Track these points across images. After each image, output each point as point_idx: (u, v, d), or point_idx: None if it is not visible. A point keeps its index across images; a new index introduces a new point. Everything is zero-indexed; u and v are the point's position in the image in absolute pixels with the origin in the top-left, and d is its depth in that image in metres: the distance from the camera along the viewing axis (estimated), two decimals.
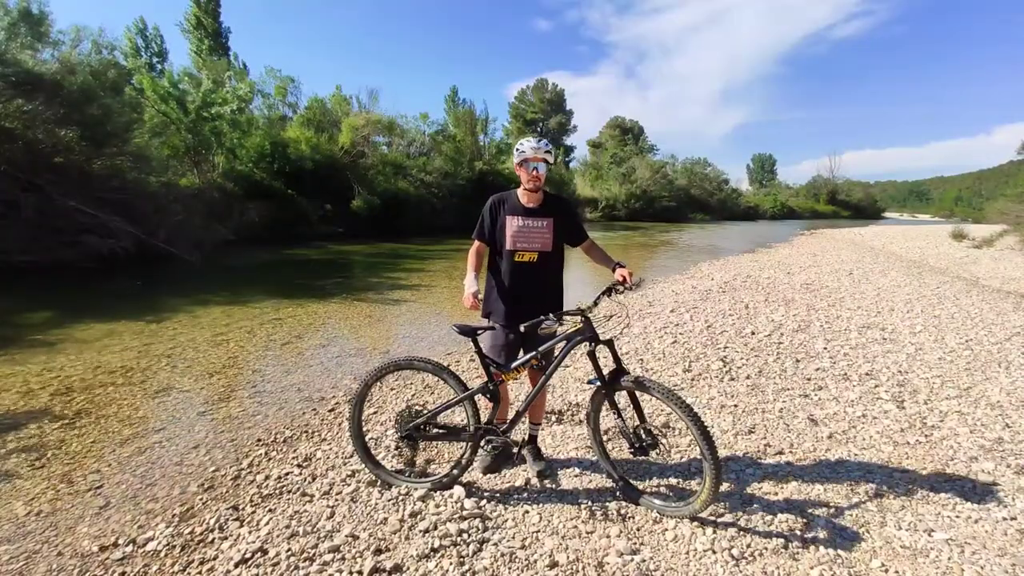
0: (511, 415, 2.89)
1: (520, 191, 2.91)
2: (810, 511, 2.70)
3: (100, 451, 3.58)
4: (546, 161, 2.80)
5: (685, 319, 7.15)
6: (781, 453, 3.38)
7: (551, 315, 2.62)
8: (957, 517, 2.66)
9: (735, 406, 4.15)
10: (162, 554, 2.45)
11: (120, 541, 2.56)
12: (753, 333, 6.38)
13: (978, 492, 2.90)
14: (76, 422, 4.02)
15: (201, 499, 2.96)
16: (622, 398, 2.73)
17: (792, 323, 6.91)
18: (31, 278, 10.32)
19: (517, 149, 2.84)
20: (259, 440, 3.74)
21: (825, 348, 5.75)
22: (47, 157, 12.34)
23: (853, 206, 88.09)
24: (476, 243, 2.94)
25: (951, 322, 6.93)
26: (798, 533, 2.52)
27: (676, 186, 59.09)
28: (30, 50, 12.68)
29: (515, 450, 2.87)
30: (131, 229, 12.42)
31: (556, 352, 2.76)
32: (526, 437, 3.17)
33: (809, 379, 4.79)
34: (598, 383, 2.67)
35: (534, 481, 3.00)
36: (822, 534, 2.51)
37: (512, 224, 2.84)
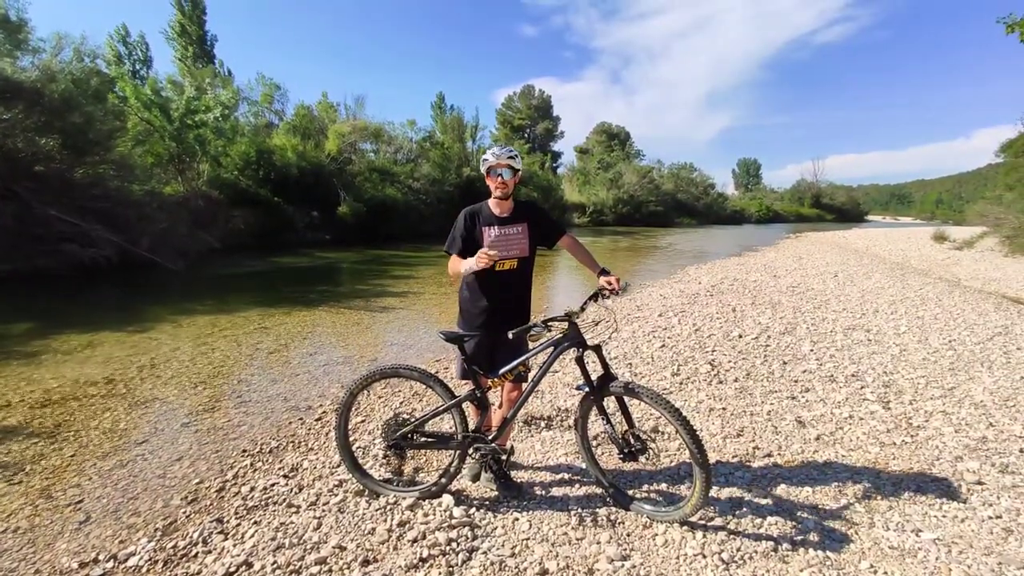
0: (497, 422, 2.87)
1: (491, 201, 2.88)
2: (799, 513, 2.71)
3: (80, 465, 3.50)
4: (511, 167, 2.77)
5: (673, 323, 7.18)
6: (770, 456, 3.39)
7: (539, 322, 2.61)
8: (944, 517, 2.67)
9: (724, 409, 4.16)
10: (144, 569, 2.40)
11: (100, 557, 2.50)
12: (740, 336, 6.41)
13: (964, 491, 2.92)
14: (56, 435, 3.93)
15: (184, 512, 2.90)
16: (611, 403, 2.73)
17: (779, 326, 6.96)
18: (10, 287, 10.13)
19: (483, 159, 2.82)
20: (244, 451, 3.68)
21: (812, 350, 5.79)
22: (27, 165, 12.16)
23: (837, 209, 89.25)
24: (452, 256, 2.85)
25: (934, 323, 7.02)
26: (787, 535, 2.52)
27: (663, 191, 59.53)
28: (8, 58, 12.49)
29: (504, 457, 2.84)
30: (113, 238, 12.27)
31: (543, 358, 2.75)
32: (508, 452, 2.97)
33: (796, 381, 4.82)
34: (586, 389, 2.66)
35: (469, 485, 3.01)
36: (811, 536, 2.51)
37: (488, 234, 2.80)
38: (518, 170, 2.82)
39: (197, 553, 2.49)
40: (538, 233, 2.90)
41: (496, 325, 2.80)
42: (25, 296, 9.64)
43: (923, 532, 2.54)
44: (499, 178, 2.76)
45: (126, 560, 2.47)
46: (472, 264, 2.61)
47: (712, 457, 3.29)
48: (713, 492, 2.86)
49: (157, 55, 43.29)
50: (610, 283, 2.67)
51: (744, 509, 2.74)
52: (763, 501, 2.83)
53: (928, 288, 10.17)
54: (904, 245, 21.71)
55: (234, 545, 2.51)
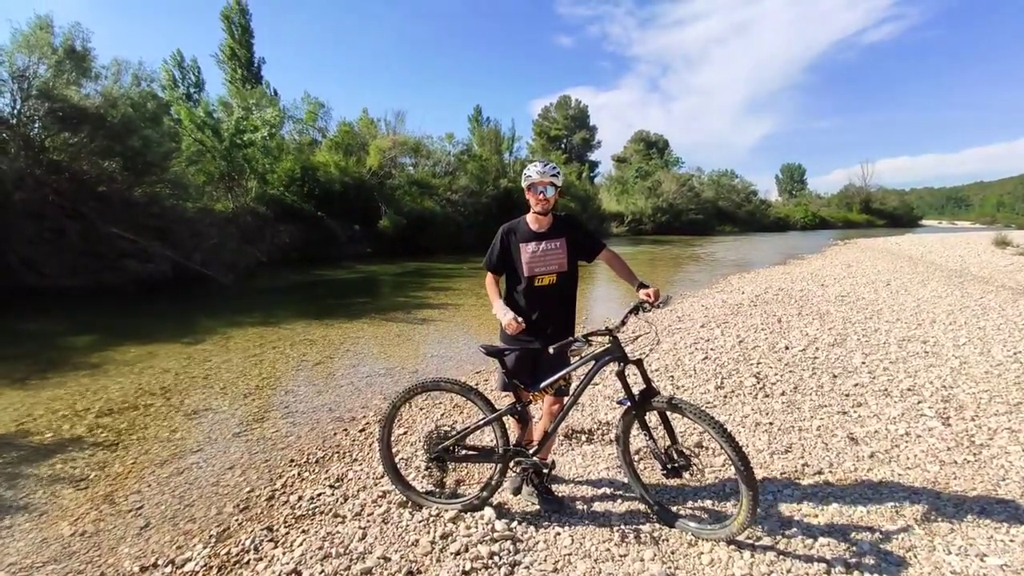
0: (538, 435, 2.88)
1: (530, 216, 2.91)
2: (853, 535, 2.60)
3: (141, 472, 3.68)
4: (553, 184, 2.79)
5: (716, 334, 7.03)
6: (820, 473, 3.28)
7: (580, 336, 2.61)
8: (1011, 541, 2.52)
9: (770, 424, 4.05)
10: (199, 575, 2.50)
11: (159, 562, 2.62)
12: (787, 348, 6.23)
13: None
14: (118, 443, 4.15)
15: (237, 520, 3.01)
16: (653, 418, 2.69)
17: (828, 337, 6.73)
18: (75, 301, 10.75)
19: (524, 174, 2.85)
20: (292, 461, 3.79)
21: (863, 363, 5.57)
22: (91, 186, 12.94)
23: (888, 214, 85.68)
24: (489, 275, 2.98)
25: (997, 333, 6.65)
26: (841, 557, 2.42)
27: (703, 199, 58.47)
28: (75, 85, 13.33)
29: (545, 471, 2.84)
30: (169, 253, 12.89)
31: (584, 372, 2.74)
32: (549, 466, 2.98)
33: (847, 395, 4.65)
34: (628, 403, 2.64)
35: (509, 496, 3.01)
36: (866, 559, 2.41)
37: (526, 250, 2.83)
38: (559, 187, 2.85)
39: (249, 560, 2.57)
40: (577, 247, 2.91)
41: (537, 339, 2.82)
42: (89, 310, 10.21)
43: (988, 557, 2.40)
44: (541, 194, 2.79)
45: (183, 565, 2.57)
46: (501, 318, 2.75)
47: (759, 474, 3.21)
48: (761, 510, 2.78)
49: (209, 78, 45.56)
50: (649, 295, 2.65)
51: (794, 529, 2.65)
52: (814, 521, 2.74)
53: (990, 296, 9.65)
54: (962, 251, 20.63)
55: (283, 553, 2.58)
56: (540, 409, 3.06)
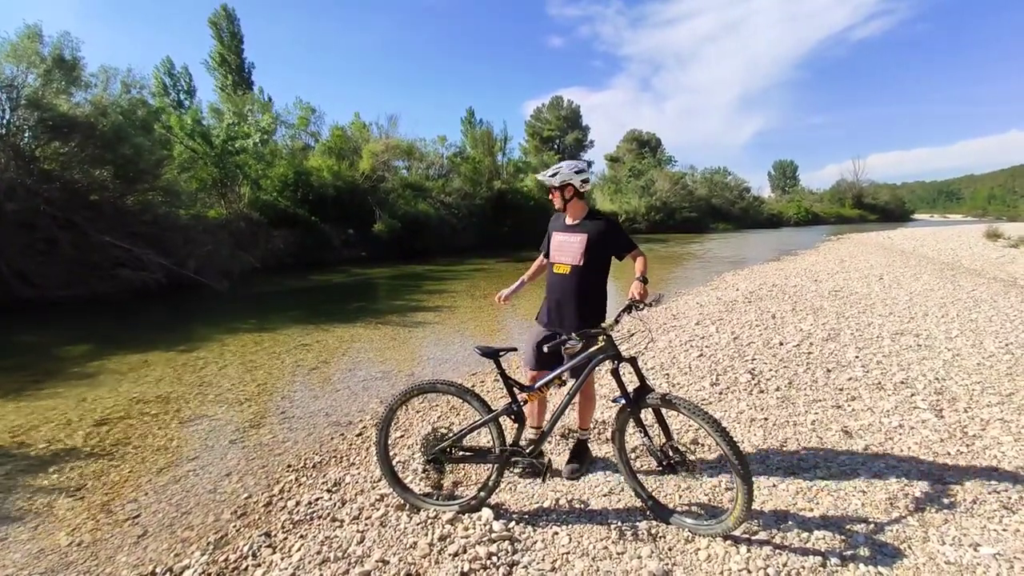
0: (546, 425, 2.92)
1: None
2: (848, 527, 2.63)
3: (137, 480, 3.67)
4: (554, 185, 3.11)
5: (711, 331, 7.06)
6: (815, 467, 3.30)
7: (573, 335, 2.64)
8: (1004, 531, 2.55)
9: (765, 419, 4.07)
10: None
11: (158, 570, 2.61)
12: (781, 344, 6.26)
13: None
14: (114, 452, 4.13)
15: (234, 526, 3.01)
16: (648, 415, 2.71)
17: (821, 332, 6.77)
18: (70, 311, 10.69)
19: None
20: (289, 466, 3.79)
21: (857, 357, 5.61)
22: (84, 195, 12.88)
23: (880, 209, 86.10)
24: (539, 257, 3.43)
25: (989, 325, 6.71)
26: (836, 550, 2.45)
27: (696, 196, 58.62)
28: (64, 94, 13.26)
29: (542, 469, 2.86)
30: (162, 261, 12.83)
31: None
32: (572, 445, 3.49)
33: (841, 389, 4.68)
34: (623, 401, 2.66)
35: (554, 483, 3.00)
36: (862, 551, 2.44)
37: (555, 239, 3.20)
38: (561, 185, 3.09)
39: (247, 567, 2.57)
40: (600, 246, 3.07)
41: (549, 321, 3.15)
42: (84, 320, 10.15)
43: (982, 547, 2.43)
44: (549, 193, 3.17)
45: (181, 573, 2.57)
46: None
47: (754, 469, 3.23)
48: (756, 505, 2.80)
49: (200, 84, 45.46)
50: (631, 295, 2.71)
51: (790, 523, 2.68)
52: (809, 514, 2.76)
53: (981, 289, 9.72)
54: (954, 244, 20.77)
55: (282, 559, 2.59)
56: (534, 408, 3.14)
